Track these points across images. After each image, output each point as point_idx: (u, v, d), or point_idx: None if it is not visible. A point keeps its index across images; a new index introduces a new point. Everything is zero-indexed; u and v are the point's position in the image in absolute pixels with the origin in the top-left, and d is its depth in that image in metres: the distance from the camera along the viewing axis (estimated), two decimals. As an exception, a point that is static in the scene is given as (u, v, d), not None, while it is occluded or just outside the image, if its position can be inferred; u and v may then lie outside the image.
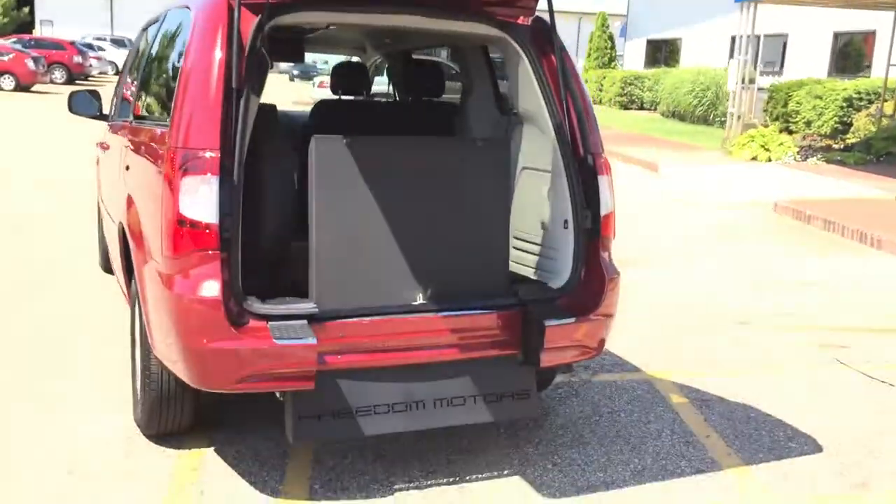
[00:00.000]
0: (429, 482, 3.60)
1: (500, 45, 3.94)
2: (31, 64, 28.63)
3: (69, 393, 4.31)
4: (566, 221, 3.76)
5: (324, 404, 3.30)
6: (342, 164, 3.30)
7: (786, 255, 8.35)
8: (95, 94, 5.76)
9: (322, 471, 3.65)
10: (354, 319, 3.31)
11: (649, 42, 33.53)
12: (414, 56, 5.55)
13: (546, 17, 3.84)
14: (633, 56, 34.91)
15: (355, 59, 6.65)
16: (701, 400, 4.61)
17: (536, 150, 3.99)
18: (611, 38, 34.10)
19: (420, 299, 3.46)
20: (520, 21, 3.89)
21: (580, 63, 34.83)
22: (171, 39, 4.07)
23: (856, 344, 5.60)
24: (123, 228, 4.00)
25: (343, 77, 5.34)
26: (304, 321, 3.21)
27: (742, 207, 10.89)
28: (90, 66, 36.50)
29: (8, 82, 28.06)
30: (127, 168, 4.16)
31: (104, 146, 5.71)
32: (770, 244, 8.88)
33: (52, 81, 32.18)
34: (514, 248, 4.24)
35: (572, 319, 3.56)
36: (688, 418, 4.37)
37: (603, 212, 3.72)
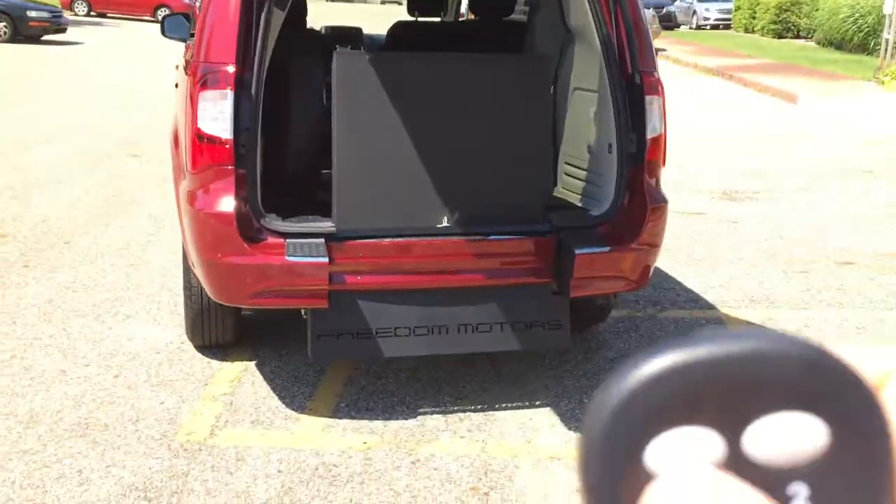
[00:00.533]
0: (455, 407, 3.56)
1: None
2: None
3: (138, 300, 4.52)
4: (610, 145, 3.54)
5: (343, 324, 3.29)
6: (366, 81, 3.21)
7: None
8: (188, 17, 5.87)
9: (353, 390, 3.67)
10: (375, 240, 3.26)
11: (812, -35, 31.05)
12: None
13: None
14: (792, -19, 32.48)
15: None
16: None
17: (586, 69, 3.77)
18: (769, -39, 31.80)
19: (445, 222, 3.35)
20: None
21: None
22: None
23: None
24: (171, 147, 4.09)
25: None
26: (322, 240, 3.19)
27: (879, 144, 10.01)
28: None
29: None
30: (176, 86, 4.24)
31: (177, 67, 5.86)
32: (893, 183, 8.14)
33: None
34: (565, 173, 4.06)
35: (607, 248, 3.37)
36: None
37: (649, 135, 3.47)
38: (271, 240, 3.17)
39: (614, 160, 3.50)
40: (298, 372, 3.80)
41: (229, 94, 3.07)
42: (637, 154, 3.44)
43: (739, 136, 10.32)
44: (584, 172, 3.84)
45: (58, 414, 3.37)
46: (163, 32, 5.98)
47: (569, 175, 3.98)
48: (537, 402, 3.62)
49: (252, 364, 3.87)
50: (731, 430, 0.24)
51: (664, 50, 22.76)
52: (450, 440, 3.32)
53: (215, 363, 3.86)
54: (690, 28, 34.98)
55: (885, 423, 0.24)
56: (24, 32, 19.88)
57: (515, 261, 3.43)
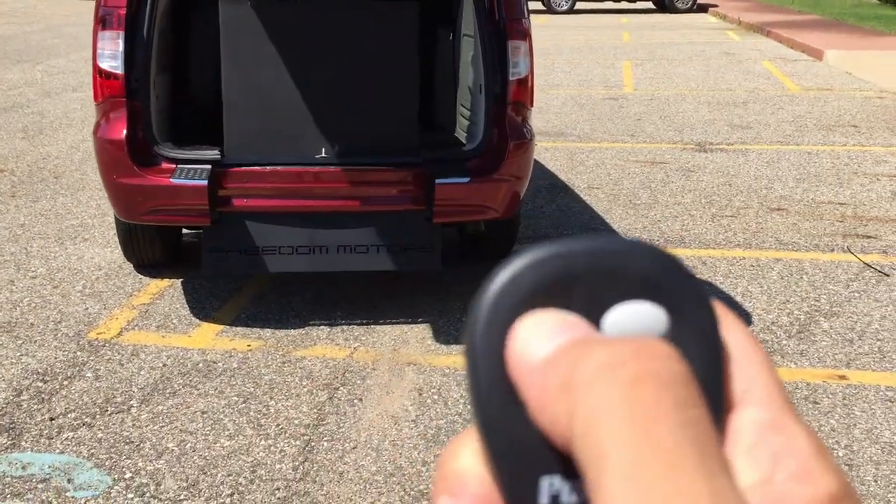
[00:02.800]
0: (343, 321, 3.98)
1: None
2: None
3: (101, 227, 5.06)
4: (481, 86, 3.86)
5: (232, 242, 3.73)
6: (249, 26, 3.59)
7: (885, 148, 7.66)
8: None
9: (259, 304, 4.13)
10: (257, 167, 3.68)
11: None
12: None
13: None
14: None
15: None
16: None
17: (468, 17, 4.07)
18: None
19: (324, 153, 3.74)
20: None
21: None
22: None
23: (888, 236, 5.22)
24: None
25: None
26: (208, 166, 3.62)
27: (879, 99, 9.92)
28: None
29: None
30: None
31: None
32: (876, 136, 8.13)
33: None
34: (460, 114, 4.39)
35: (466, 179, 3.71)
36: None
37: (513, 77, 3.77)
38: (165, 165, 3.62)
39: (483, 100, 3.83)
40: (217, 289, 4.27)
41: (121, 34, 3.51)
42: (501, 94, 3.76)
43: (746, 90, 10.35)
44: (468, 112, 4.17)
45: (-6, 314, 3.92)
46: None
47: (461, 116, 4.32)
48: (419, 320, 4.02)
49: (179, 281, 4.36)
50: (594, 315, 0.27)
51: (716, 6, 22.39)
52: (324, 347, 3.75)
53: (146, 279, 4.37)
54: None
55: (713, 318, 0.27)
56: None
57: (390, 189, 3.80)
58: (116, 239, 4.84)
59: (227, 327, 3.90)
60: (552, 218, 5.47)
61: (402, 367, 3.60)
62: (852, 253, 4.91)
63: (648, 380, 0.24)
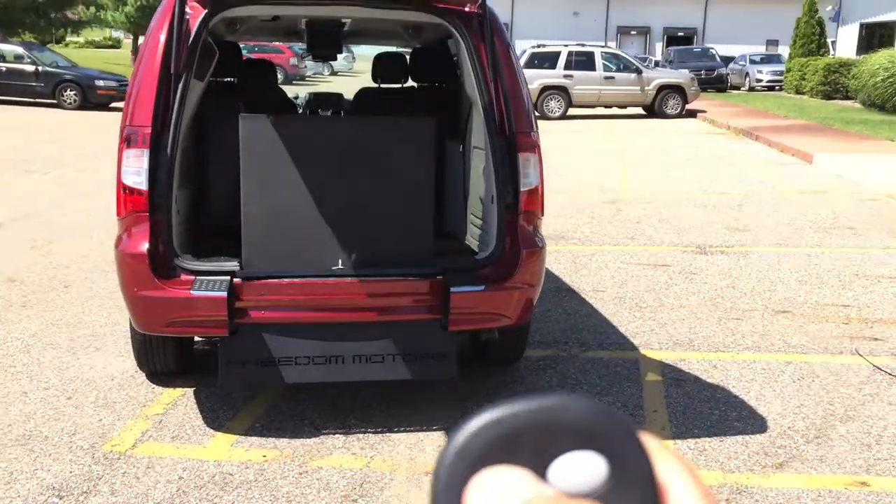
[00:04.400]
0: (358, 429, 3.96)
1: (445, 32, 4.19)
2: (293, 60, 31.47)
3: (111, 336, 5.07)
4: (493, 197, 3.97)
5: (249, 353, 3.75)
6: (268, 141, 3.69)
7: (883, 250, 7.79)
8: None
9: (272, 413, 4.12)
10: (274, 280, 3.71)
11: (863, 26, 31.13)
12: (423, 46, 5.86)
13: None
14: (845, 42, 32.57)
15: (400, 48, 7.05)
16: (676, 379, 4.61)
17: (478, 130, 4.22)
18: (820, 23, 31.92)
19: (341, 265, 3.79)
20: (466, 9, 4.12)
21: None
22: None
23: (894, 338, 5.26)
24: None
25: (382, 67, 5.78)
26: (227, 277, 3.68)
27: (873, 201, 10.14)
28: (304, 67, 39.34)
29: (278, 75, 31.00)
30: None
31: None
32: (873, 238, 8.28)
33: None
34: (470, 223, 4.49)
35: (481, 287, 3.77)
36: (649, 394, 4.41)
37: (524, 188, 3.89)
38: (184, 277, 3.68)
39: (495, 210, 3.93)
40: (229, 398, 4.26)
41: (146, 152, 3.62)
42: (513, 204, 3.87)
43: (741, 193, 10.56)
44: (480, 221, 4.26)
45: (8, 427, 3.90)
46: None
47: (472, 224, 4.42)
48: (434, 427, 4.00)
49: (192, 390, 4.35)
50: (541, 466, 0.29)
51: (704, 112, 23.03)
52: (340, 456, 3.72)
53: (159, 389, 4.36)
54: (744, 90, 35.15)
55: (648, 460, 0.30)
56: (93, 100, 21.38)
57: (406, 299, 3.84)
58: (127, 348, 4.86)
59: (242, 437, 3.87)
60: (560, 321, 5.51)
61: (419, 477, 3.57)
62: (861, 356, 4.94)
63: None
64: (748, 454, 3.76)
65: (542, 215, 4.02)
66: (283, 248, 3.77)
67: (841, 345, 5.14)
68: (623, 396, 4.37)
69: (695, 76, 24.05)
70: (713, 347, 5.11)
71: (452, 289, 3.69)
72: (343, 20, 4.57)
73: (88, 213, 8.64)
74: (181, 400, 4.25)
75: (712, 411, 4.20)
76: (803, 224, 8.79)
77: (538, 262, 3.91)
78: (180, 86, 3.70)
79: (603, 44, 35.41)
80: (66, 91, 21.43)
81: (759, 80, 35.06)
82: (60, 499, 3.33)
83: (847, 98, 27.11)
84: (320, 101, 6.96)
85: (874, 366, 4.76)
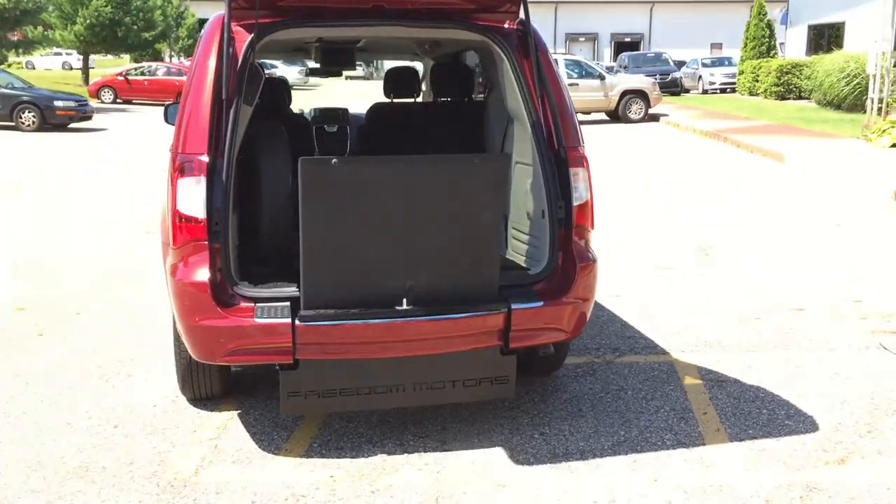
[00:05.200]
0: (417, 445, 3.95)
1: (485, 48, 4.20)
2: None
3: (139, 358, 4.98)
4: (543, 212, 3.98)
5: (310, 384, 3.68)
6: (331, 185, 3.38)
7: (874, 243, 8.00)
8: None
9: (326, 433, 4.08)
10: (337, 324, 3.54)
11: (811, 28, 31.92)
12: (445, 61, 5.87)
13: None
14: (794, 43, 33.34)
15: (412, 63, 7.05)
16: (716, 381, 4.68)
17: (523, 146, 4.24)
18: (769, 25, 32.68)
19: (405, 304, 3.57)
20: (505, 25, 4.14)
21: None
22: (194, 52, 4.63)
23: (913, 330, 5.41)
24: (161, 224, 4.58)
25: (393, 81, 5.77)
26: (287, 303, 3.60)
27: (852, 197, 10.41)
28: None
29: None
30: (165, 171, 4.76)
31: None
32: (862, 233, 8.51)
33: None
34: (512, 237, 4.50)
35: (540, 303, 3.77)
36: (694, 397, 4.47)
37: (575, 203, 3.90)
38: (243, 304, 3.60)
39: (547, 225, 3.93)
40: (279, 419, 4.21)
41: (202, 180, 3.55)
42: (566, 219, 3.88)
43: (720, 194, 10.76)
44: (526, 236, 4.27)
45: (62, 459, 3.80)
46: (166, 119, 6.58)
47: (515, 238, 4.43)
48: (493, 439, 4.00)
49: (237, 413, 4.29)
50: None
51: (666, 115, 23.41)
52: (407, 472, 3.71)
53: (204, 413, 4.29)
54: (697, 93, 35.80)
55: None
56: (52, 121, 20.95)
57: (468, 332, 3.70)
58: (159, 373, 4.79)
59: (304, 459, 3.83)
60: (586, 327, 5.54)
61: (492, 491, 3.57)
62: (887, 349, 5.07)
63: None
64: (807, 451, 3.83)
65: (593, 228, 4.05)
66: (345, 288, 3.55)
67: (863, 340, 5.26)
68: (670, 400, 4.42)
69: (656, 81, 24.44)
70: (743, 349, 5.19)
71: (513, 306, 3.68)
72: (378, 39, 4.53)
73: (86, 239, 8.46)
74: (231, 423, 4.19)
75: (760, 411, 4.27)
76: (788, 223, 8.98)
77: (592, 276, 3.92)
78: (232, 111, 3.64)
79: (564, 51, 35.79)
80: (23, 113, 20.96)
81: (711, 83, 35.75)
82: (136, 530, 3.26)
83: (800, 98, 27.80)
84: (326, 116, 6.92)
85: (903, 359, 4.90)
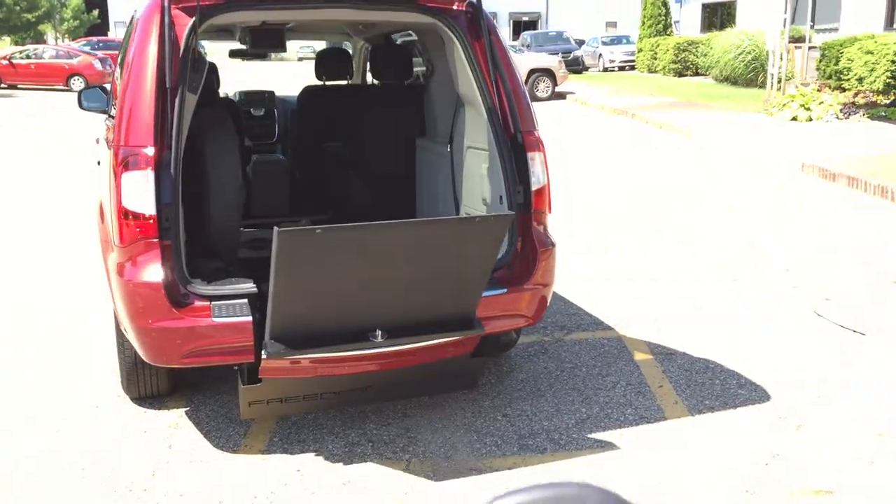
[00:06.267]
0: (381, 434, 3.87)
1: (434, 31, 4.11)
2: (97, 65, 29.73)
3: (83, 357, 4.72)
4: (501, 197, 3.93)
5: (272, 394, 3.57)
6: (309, 253, 3.03)
7: (787, 212, 8.32)
8: (105, 90, 6.13)
9: (285, 426, 3.95)
10: (303, 357, 3.34)
11: (704, 6, 32.89)
12: (383, 43, 5.73)
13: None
14: (689, 21, 34.33)
15: (343, 44, 6.90)
16: (665, 353, 4.76)
17: (476, 130, 4.17)
18: (665, 4, 33.48)
19: (379, 338, 3.31)
20: (454, 7, 4.04)
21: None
22: (126, 38, 4.37)
23: (841, 297, 5.63)
24: (97, 220, 4.33)
25: (326, 63, 5.61)
26: (245, 300, 3.44)
27: (765, 168, 10.80)
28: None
29: (77, 84, 29.19)
30: (98, 164, 4.49)
31: (97, 141, 6.08)
32: (780, 203, 8.83)
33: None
34: None
35: (503, 290, 3.73)
36: (647, 371, 4.53)
37: (534, 187, 3.86)
38: (198, 303, 3.41)
39: (505, 210, 3.88)
40: (232, 415, 4.05)
41: (150, 174, 3.32)
42: (524, 204, 3.83)
43: (629, 168, 10.98)
44: None
45: (8, 472, 3.56)
46: (80, 105, 6.18)
47: None
48: (456, 423, 3.96)
49: (186, 411, 4.11)
50: None
51: (573, 93, 23.74)
52: (377, 462, 3.62)
53: (151, 412, 4.09)
54: (597, 70, 36.44)
55: None
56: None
57: (442, 348, 3.58)
58: (97, 373, 4.56)
59: (266, 455, 3.70)
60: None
61: (464, 476, 3.53)
62: (821, 315, 5.26)
63: None
64: (764, 419, 3.93)
65: (550, 212, 4.02)
66: (316, 332, 3.28)
67: (797, 306, 5.45)
68: (625, 375, 4.47)
69: (562, 60, 24.72)
70: (678, 321, 5.30)
71: None
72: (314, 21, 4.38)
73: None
74: (181, 422, 4.01)
75: (713, 382, 4.37)
76: (710, 195, 9.24)
77: (552, 261, 3.89)
78: (177, 101, 3.43)
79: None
80: None
81: (612, 61, 36.42)
82: (99, 540, 3.08)
83: (697, 74, 28.62)
84: (251, 100, 6.70)
85: (840, 325, 5.09)
